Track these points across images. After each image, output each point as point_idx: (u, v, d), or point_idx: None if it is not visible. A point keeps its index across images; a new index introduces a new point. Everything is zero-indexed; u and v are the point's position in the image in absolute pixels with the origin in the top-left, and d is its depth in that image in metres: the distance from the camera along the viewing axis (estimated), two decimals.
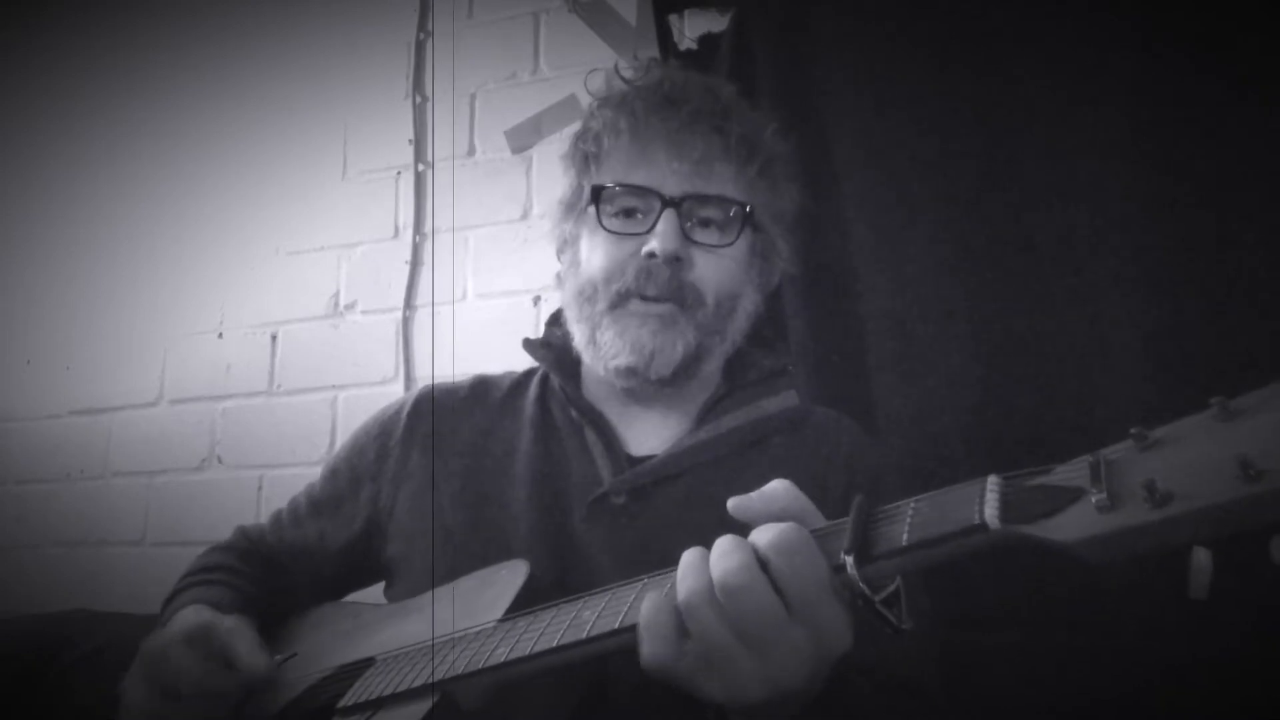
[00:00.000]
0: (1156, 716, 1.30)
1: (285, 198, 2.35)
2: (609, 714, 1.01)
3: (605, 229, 1.20)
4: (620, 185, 1.19)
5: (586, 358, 1.23)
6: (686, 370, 1.19)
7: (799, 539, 0.70)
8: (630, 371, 1.17)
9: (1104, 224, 1.52)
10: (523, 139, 2.11)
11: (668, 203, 1.16)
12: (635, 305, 1.17)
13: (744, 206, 1.20)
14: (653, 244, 1.15)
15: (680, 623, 0.73)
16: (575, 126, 1.30)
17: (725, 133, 1.19)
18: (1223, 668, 1.27)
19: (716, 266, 1.19)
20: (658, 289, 1.16)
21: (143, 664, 1.05)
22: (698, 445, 1.18)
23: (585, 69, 1.32)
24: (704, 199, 1.18)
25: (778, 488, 0.78)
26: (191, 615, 1.10)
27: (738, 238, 1.20)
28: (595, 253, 1.20)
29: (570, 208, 1.28)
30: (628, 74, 1.27)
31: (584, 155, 1.25)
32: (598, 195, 1.21)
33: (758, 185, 1.22)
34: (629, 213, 1.20)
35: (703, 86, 1.25)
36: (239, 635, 1.05)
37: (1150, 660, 1.33)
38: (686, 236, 1.17)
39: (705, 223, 1.19)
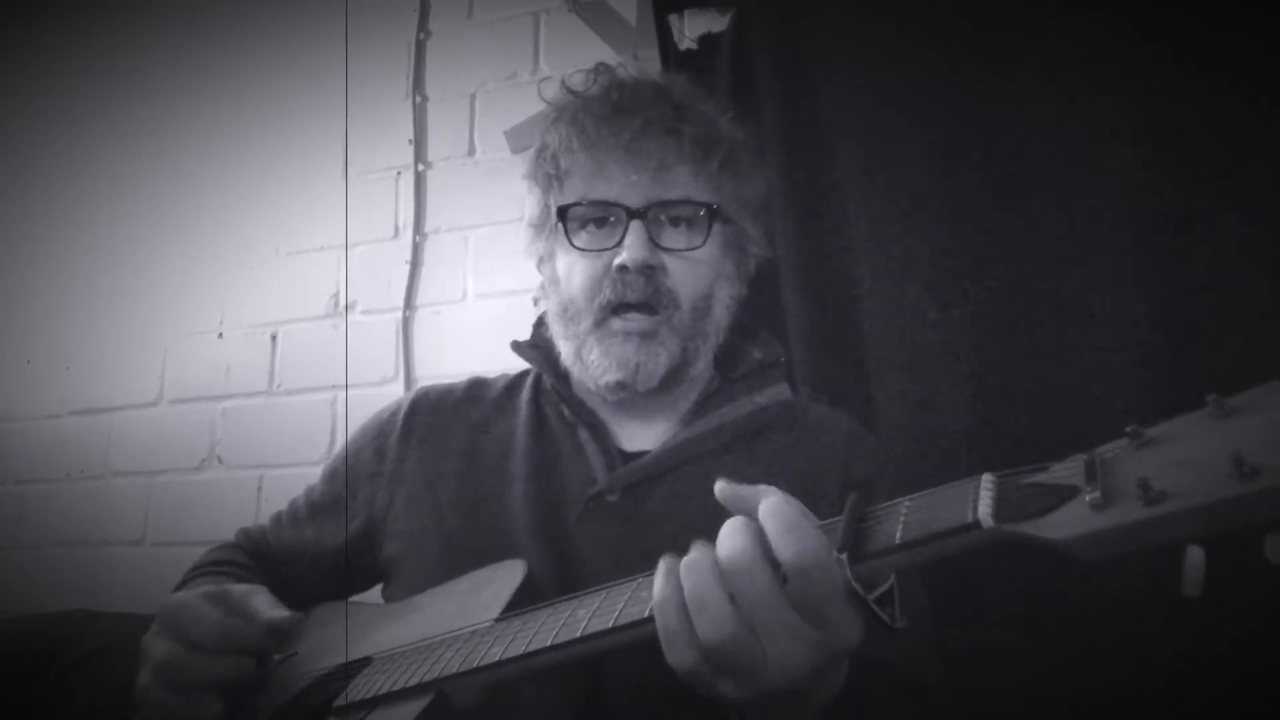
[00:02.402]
0: (1154, 715, 1.30)
1: (285, 198, 2.35)
2: (607, 714, 1.01)
3: (575, 247, 1.20)
4: (584, 203, 1.20)
5: (575, 372, 1.24)
6: (674, 378, 1.20)
7: (820, 550, 0.70)
8: (620, 385, 1.18)
9: (1104, 220, 1.51)
10: (523, 139, 2.10)
11: (633, 214, 1.16)
12: (616, 324, 1.17)
13: (709, 206, 1.20)
14: (623, 257, 1.15)
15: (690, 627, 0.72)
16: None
17: (680, 134, 1.19)
18: (1219, 665, 1.27)
19: (690, 271, 1.19)
20: (637, 295, 1.16)
21: (163, 619, 1.03)
22: (691, 440, 1.18)
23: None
24: (668, 204, 1.18)
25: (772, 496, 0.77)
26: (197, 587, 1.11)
27: (707, 238, 1.20)
28: (571, 272, 1.21)
29: (540, 228, 1.28)
30: (576, 85, 1.27)
31: (546, 175, 1.25)
32: (564, 215, 1.21)
33: (721, 179, 1.22)
34: (599, 223, 1.20)
35: (652, 89, 1.25)
36: (255, 594, 1.06)
37: (1147, 658, 1.32)
38: (656, 244, 1.17)
39: (675, 222, 1.19)
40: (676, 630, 0.72)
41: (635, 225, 1.16)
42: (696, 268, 1.20)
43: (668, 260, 1.18)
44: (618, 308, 1.17)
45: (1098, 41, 1.56)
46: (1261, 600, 1.10)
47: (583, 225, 1.21)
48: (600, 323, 1.18)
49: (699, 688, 0.73)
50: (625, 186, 1.17)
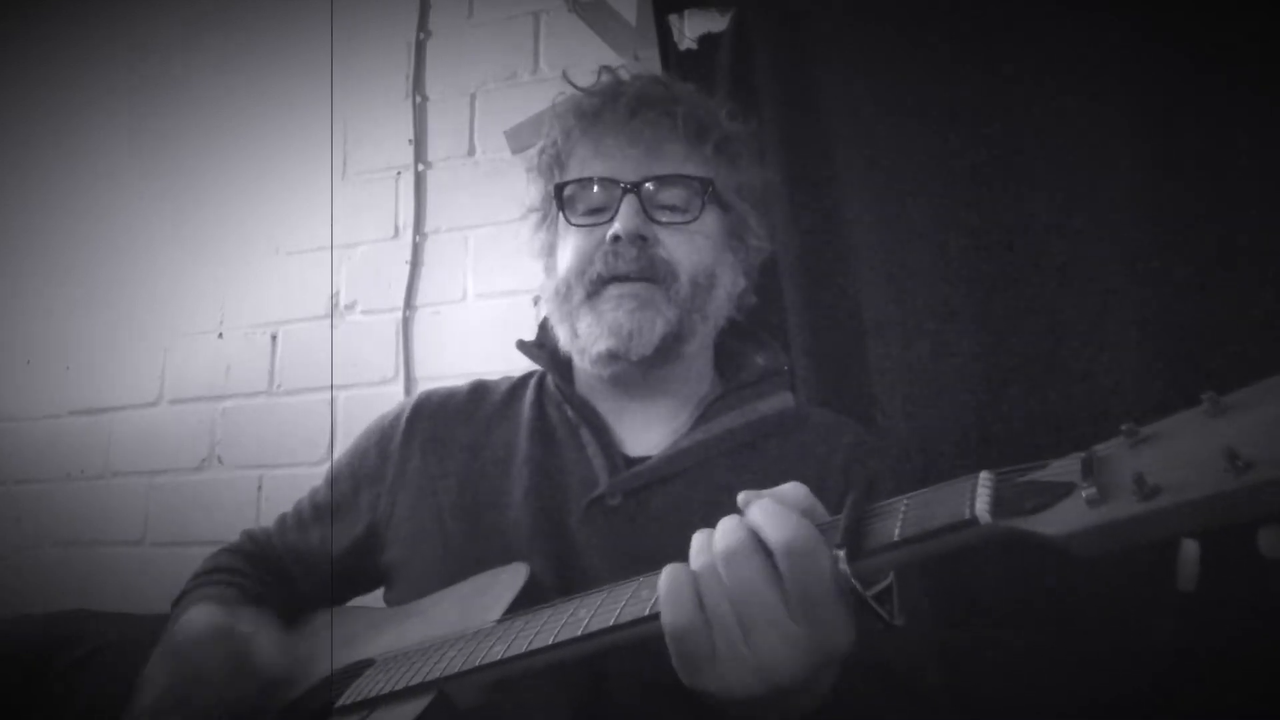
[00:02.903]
0: (1153, 714, 1.30)
1: (285, 198, 2.35)
2: (608, 714, 1.01)
3: (573, 224, 1.22)
4: (580, 179, 1.22)
5: (573, 354, 1.24)
6: (669, 349, 1.19)
7: (809, 539, 0.70)
8: (611, 355, 1.17)
9: (1102, 221, 1.52)
10: (523, 139, 2.11)
11: (626, 189, 1.18)
12: (610, 291, 1.18)
13: (702, 181, 1.21)
14: (615, 227, 1.16)
15: (696, 594, 0.73)
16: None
17: (674, 115, 1.21)
18: (1218, 664, 1.27)
19: (686, 243, 1.20)
20: (628, 266, 1.17)
21: (166, 656, 1.06)
22: (693, 447, 1.18)
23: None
24: (662, 179, 1.20)
25: (795, 492, 0.77)
26: (204, 614, 1.11)
27: (702, 212, 1.21)
28: (566, 251, 1.23)
29: (543, 216, 1.31)
30: (580, 83, 1.30)
31: (548, 164, 1.28)
32: (560, 194, 1.23)
33: (716, 162, 1.24)
34: (595, 208, 1.22)
35: (651, 79, 1.30)
36: (258, 636, 1.08)
37: (1147, 658, 1.32)
38: (650, 218, 1.18)
39: (669, 203, 1.21)
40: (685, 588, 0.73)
41: (628, 198, 1.18)
42: (693, 240, 1.21)
43: (661, 233, 1.19)
44: (609, 281, 1.18)
45: (1098, 41, 1.56)
46: (1256, 594, 1.11)
47: (581, 209, 1.23)
48: (592, 294, 1.18)
49: (688, 675, 0.74)
50: (620, 162, 1.20)
